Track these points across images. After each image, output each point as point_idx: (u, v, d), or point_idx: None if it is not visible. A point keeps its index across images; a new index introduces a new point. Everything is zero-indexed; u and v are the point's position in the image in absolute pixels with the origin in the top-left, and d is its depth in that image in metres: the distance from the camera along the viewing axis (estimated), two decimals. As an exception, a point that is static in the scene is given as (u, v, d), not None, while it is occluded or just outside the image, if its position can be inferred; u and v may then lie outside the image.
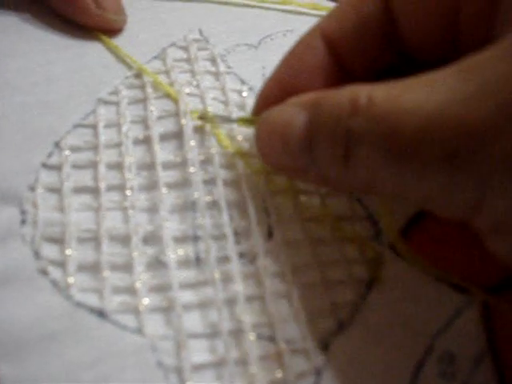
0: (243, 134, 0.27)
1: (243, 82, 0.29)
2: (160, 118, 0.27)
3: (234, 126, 0.27)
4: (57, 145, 0.26)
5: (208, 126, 0.26)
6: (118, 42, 0.30)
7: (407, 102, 0.18)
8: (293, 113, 0.22)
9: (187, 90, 0.28)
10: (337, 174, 0.21)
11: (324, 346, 0.22)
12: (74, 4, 0.29)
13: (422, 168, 0.18)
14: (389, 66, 0.25)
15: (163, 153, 0.26)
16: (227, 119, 0.27)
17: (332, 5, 0.34)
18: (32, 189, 0.25)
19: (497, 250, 0.19)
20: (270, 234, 0.25)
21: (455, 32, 0.22)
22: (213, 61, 0.30)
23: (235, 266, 0.23)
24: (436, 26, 0.22)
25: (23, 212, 0.24)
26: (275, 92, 0.25)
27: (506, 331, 0.23)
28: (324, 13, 0.33)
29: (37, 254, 0.23)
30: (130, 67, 0.29)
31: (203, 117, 0.27)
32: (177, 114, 0.27)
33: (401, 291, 0.24)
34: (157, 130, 0.27)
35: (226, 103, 0.28)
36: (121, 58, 0.29)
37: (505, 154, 0.17)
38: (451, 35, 0.22)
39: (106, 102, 0.28)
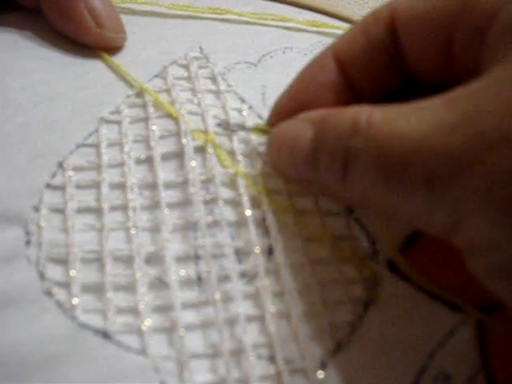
0: (244, 154, 0.27)
1: (243, 101, 0.29)
2: (162, 137, 0.27)
3: (235, 144, 0.27)
4: (60, 165, 0.26)
5: (210, 146, 0.27)
6: (119, 60, 0.30)
7: (399, 127, 0.20)
8: (301, 128, 0.24)
9: (188, 108, 0.28)
10: (336, 187, 0.23)
11: (322, 366, 0.23)
12: (73, 22, 0.30)
13: (406, 189, 0.20)
14: (396, 87, 0.26)
15: (165, 173, 0.27)
16: (243, 127, 0.28)
17: (331, 21, 0.34)
18: (36, 209, 0.25)
19: (473, 269, 0.21)
20: (270, 253, 0.25)
21: (449, 61, 0.23)
22: (213, 79, 0.30)
23: (236, 286, 0.24)
24: (432, 54, 0.24)
25: (28, 233, 0.25)
26: (288, 106, 0.26)
27: (499, 349, 0.24)
28: (322, 29, 0.33)
29: (42, 275, 0.24)
30: (131, 86, 0.29)
31: (222, 124, 0.28)
32: (178, 134, 0.27)
33: (397, 311, 0.24)
34: (158, 149, 0.27)
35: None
36: (122, 77, 0.30)
37: (479, 183, 0.18)
38: (445, 63, 0.24)
39: (108, 122, 0.28)
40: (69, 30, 0.30)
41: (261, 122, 0.29)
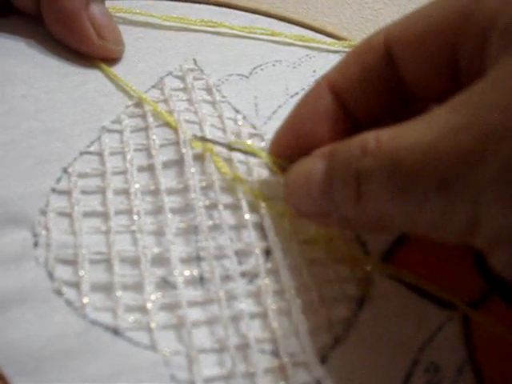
0: (240, 161, 0.29)
1: (237, 111, 0.31)
2: (162, 146, 0.29)
3: (233, 154, 0.29)
4: (65, 170, 0.27)
5: (207, 154, 0.28)
6: (117, 70, 0.31)
7: (407, 140, 0.21)
8: (313, 162, 0.25)
9: (186, 117, 0.30)
10: (352, 213, 0.23)
11: (322, 359, 0.24)
12: (76, 34, 0.31)
13: (421, 197, 0.20)
14: (393, 109, 0.27)
15: (166, 180, 0.28)
16: (254, 153, 0.28)
17: (317, 36, 0.36)
18: (43, 213, 0.26)
19: (498, 265, 0.21)
20: (268, 255, 0.26)
21: (455, 69, 0.24)
22: (208, 90, 0.31)
23: (238, 285, 0.25)
24: (436, 65, 0.24)
25: (35, 235, 0.26)
26: (287, 136, 0.28)
27: (483, 342, 0.26)
28: (310, 44, 0.35)
29: (51, 275, 0.25)
30: (130, 96, 0.31)
31: (231, 147, 0.28)
32: (177, 143, 0.29)
33: (389, 308, 0.26)
34: (159, 158, 0.28)
35: (224, 130, 0.30)
36: (120, 87, 0.31)
37: (491, 176, 0.19)
38: (451, 73, 0.24)
39: (110, 131, 0.29)
40: (70, 41, 0.31)
41: (254, 132, 0.30)
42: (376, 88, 0.26)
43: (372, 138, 0.22)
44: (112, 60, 0.32)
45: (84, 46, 0.31)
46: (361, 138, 0.22)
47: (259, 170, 0.29)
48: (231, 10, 0.36)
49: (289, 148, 0.27)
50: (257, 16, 0.36)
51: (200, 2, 0.36)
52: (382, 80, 0.26)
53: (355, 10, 0.51)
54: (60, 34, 0.31)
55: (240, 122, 0.30)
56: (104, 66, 0.31)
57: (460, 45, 0.23)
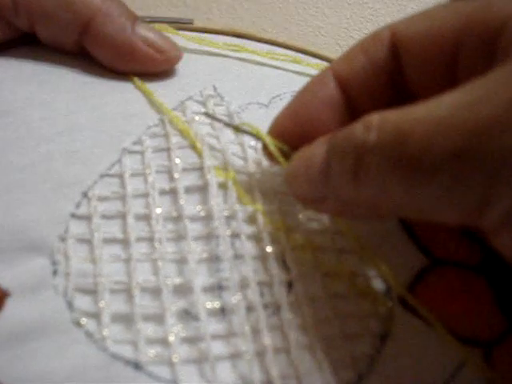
0: (262, 191, 0.28)
1: (257, 140, 0.30)
2: (184, 170, 0.28)
3: (254, 184, 0.28)
4: (85, 195, 0.27)
5: (230, 183, 0.28)
6: (138, 94, 0.31)
7: (417, 113, 0.20)
8: (315, 147, 0.24)
9: (210, 143, 0.29)
10: (348, 192, 0.22)
11: None
12: (139, 61, 0.31)
13: (429, 172, 0.19)
14: (395, 104, 0.26)
15: (188, 206, 0.27)
16: (259, 137, 0.28)
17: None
18: (62, 239, 0.25)
19: (503, 247, 0.20)
20: (290, 287, 0.26)
21: (454, 76, 0.24)
22: (229, 116, 0.31)
23: (262, 318, 0.25)
24: (436, 71, 0.24)
25: (54, 263, 0.25)
26: (288, 120, 0.27)
27: (506, 380, 0.25)
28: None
29: (70, 305, 0.24)
30: (151, 117, 0.30)
31: (238, 129, 0.29)
32: (201, 169, 0.28)
33: (411, 344, 0.26)
34: (182, 182, 0.28)
35: (244, 159, 0.29)
36: (141, 109, 0.30)
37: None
38: (450, 74, 0.24)
39: (131, 152, 0.28)
40: (136, 68, 0.31)
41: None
42: (380, 80, 0.26)
43: (377, 116, 0.21)
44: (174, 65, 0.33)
45: (150, 67, 0.31)
46: (365, 118, 0.22)
47: (281, 201, 0.28)
48: (249, 41, 0.36)
49: (288, 133, 0.27)
50: (274, 47, 0.36)
51: (218, 33, 0.36)
52: (386, 72, 0.26)
53: (355, 10, 0.51)
54: (122, 67, 0.31)
55: (260, 151, 0.30)
56: (136, 80, 0.31)
57: (463, 46, 0.23)
